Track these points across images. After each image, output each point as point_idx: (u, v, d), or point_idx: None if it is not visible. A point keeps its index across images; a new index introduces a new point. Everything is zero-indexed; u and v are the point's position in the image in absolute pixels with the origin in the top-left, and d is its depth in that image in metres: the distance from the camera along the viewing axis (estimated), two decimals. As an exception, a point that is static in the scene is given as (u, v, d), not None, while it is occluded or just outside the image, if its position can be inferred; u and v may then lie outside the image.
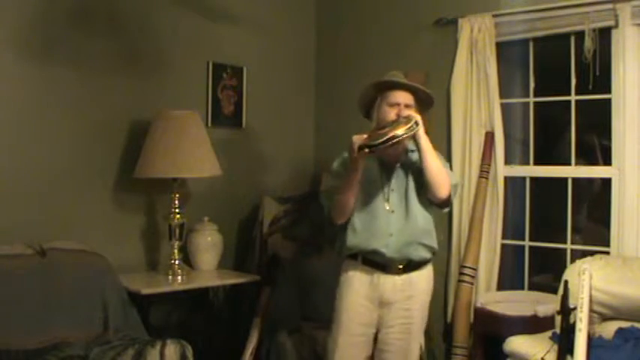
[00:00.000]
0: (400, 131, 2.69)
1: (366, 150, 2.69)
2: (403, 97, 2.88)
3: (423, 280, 2.95)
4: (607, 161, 3.54)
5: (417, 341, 2.99)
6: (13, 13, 3.20)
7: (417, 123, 2.74)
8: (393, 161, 2.92)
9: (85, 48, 3.45)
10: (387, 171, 2.93)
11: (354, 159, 2.76)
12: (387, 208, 2.88)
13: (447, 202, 2.89)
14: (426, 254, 2.93)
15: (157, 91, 3.74)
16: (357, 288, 2.92)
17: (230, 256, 3.90)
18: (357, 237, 2.90)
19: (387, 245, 2.85)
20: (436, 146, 2.87)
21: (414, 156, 2.89)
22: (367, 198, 2.90)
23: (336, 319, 2.96)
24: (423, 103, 2.95)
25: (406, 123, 2.73)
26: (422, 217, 2.89)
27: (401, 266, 2.89)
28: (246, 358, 3.60)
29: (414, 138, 2.79)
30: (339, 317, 2.95)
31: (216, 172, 3.65)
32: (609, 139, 3.48)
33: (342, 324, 2.94)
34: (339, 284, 2.99)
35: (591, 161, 3.66)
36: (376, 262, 2.89)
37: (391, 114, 2.83)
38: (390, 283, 2.89)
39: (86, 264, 3.10)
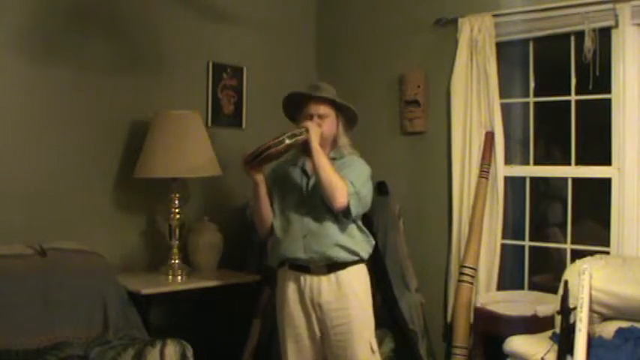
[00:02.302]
0: (275, 142, 2.76)
1: (248, 165, 2.82)
2: (315, 108, 2.93)
3: (353, 278, 2.92)
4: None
5: (363, 341, 2.90)
6: (13, 13, 3.19)
7: (293, 135, 2.78)
8: (311, 169, 2.95)
9: (84, 48, 3.45)
10: (307, 178, 2.97)
11: (246, 174, 2.88)
12: (302, 211, 2.91)
13: (347, 211, 2.84)
14: (349, 256, 2.91)
15: (157, 91, 3.73)
16: (290, 295, 2.95)
17: (230, 256, 3.89)
18: (279, 244, 2.96)
19: (304, 247, 2.87)
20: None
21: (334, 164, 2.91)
22: (288, 205, 2.96)
23: (280, 328, 3.01)
24: (347, 114, 2.99)
25: (290, 132, 2.80)
26: (333, 223, 2.88)
27: (325, 266, 2.89)
28: (246, 358, 3.59)
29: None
30: (282, 326, 2.99)
31: (216, 172, 3.65)
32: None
33: (286, 332, 2.97)
34: (276, 295, 3.05)
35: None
36: (300, 265, 2.92)
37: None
38: (316, 283, 2.90)
39: (86, 264, 3.10)
